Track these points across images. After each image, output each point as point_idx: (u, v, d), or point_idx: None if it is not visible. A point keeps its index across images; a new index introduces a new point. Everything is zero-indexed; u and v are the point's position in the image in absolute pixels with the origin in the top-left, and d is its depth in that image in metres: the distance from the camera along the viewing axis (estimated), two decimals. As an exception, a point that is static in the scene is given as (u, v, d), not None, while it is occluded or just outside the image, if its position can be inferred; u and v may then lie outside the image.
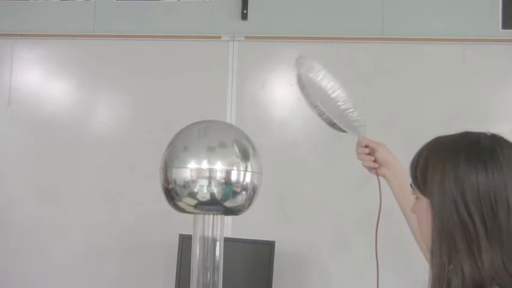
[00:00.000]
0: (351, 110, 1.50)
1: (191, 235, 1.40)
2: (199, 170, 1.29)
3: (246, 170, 1.33)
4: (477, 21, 2.67)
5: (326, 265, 2.60)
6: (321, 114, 1.40)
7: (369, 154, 1.42)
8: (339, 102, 1.51)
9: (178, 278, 2.40)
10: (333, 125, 1.42)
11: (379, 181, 1.40)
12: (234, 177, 1.31)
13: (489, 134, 0.96)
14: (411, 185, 1.02)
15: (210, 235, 1.39)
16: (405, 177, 1.38)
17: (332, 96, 1.51)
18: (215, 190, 1.30)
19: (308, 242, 2.61)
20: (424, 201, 0.97)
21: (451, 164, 0.92)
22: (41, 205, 2.76)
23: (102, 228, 2.72)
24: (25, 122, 2.83)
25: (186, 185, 1.30)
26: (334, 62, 2.69)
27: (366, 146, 1.43)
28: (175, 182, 1.31)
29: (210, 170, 1.29)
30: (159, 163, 1.37)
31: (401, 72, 2.67)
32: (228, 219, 2.57)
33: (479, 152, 0.92)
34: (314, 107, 1.41)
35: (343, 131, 1.43)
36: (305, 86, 1.42)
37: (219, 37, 2.77)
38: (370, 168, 1.43)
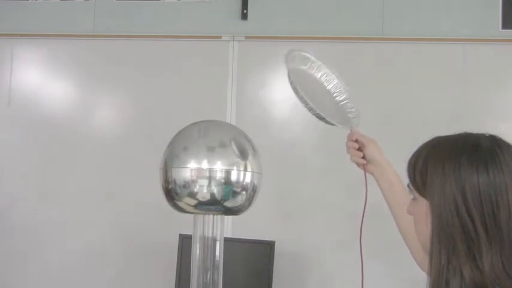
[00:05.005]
0: (346, 101, 1.49)
1: (191, 235, 1.40)
2: (199, 170, 1.29)
3: (246, 170, 1.33)
4: (477, 21, 2.67)
5: (326, 265, 2.60)
6: (310, 109, 1.40)
7: (359, 149, 1.42)
8: (334, 93, 1.50)
9: (178, 278, 2.40)
10: (322, 119, 1.41)
11: (365, 177, 1.40)
12: (234, 177, 1.31)
13: (488, 135, 0.96)
14: (408, 186, 1.01)
15: (210, 235, 1.38)
16: (394, 178, 1.38)
17: (327, 88, 1.50)
18: (215, 190, 1.30)
19: (308, 242, 2.61)
20: (424, 203, 0.96)
21: (452, 165, 0.91)
22: (41, 205, 2.76)
23: (102, 228, 2.72)
24: (25, 122, 2.83)
25: (186, 185, 1.30)
26: (334, 62, 2.70)
27: (356, 141, 1.43)
28: (175, 182, 1.31)
29: (210, 170, 1.29)
30: (159, 163, 1.37)
31: (401, 72, 2.67)
32: (228, 219, 2.57)
33: (480, 153, 0.92)
34: (303, 102, 1.40)
35: (334, 124, 1.43)
36: (294, 81, 1.41)
37: (219, 37, 2.77)
38: (357, 164, 1.43)
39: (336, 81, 1.51)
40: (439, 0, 2.71)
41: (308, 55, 1.52)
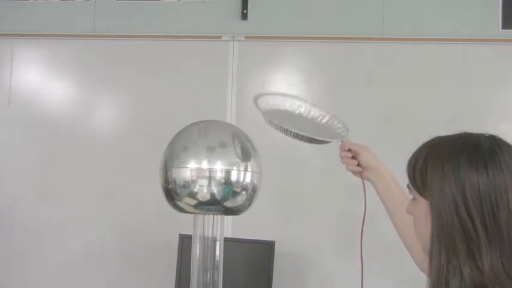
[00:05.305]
0: (331, 120, 1.50)
1: (191, 235, 1.40)
2: (199, 170, 1.29)
3: (246, 170, 1.33)
4: (477, 21, 2.67)
5: (326, 265, 2.60)
6: (298, 138, 1.41)
7: (353, 158, 1.43)
8: (317, 119, 1.51)
9: (178, 278, 2.40)
10: (313, 140, 1.43)
11: (363, 184, 1.41)
12: (234, 177, 1.31)
13: (487, 135, 0.96)
14: (408, 186, 1.01)
15: (210, 235, 1.38)
16: (391, 180, 1.39)
17: (309, 116, 1.51)
18: (215, 190, 1.30)
19: (308, 242, 2.61)
20: (423, 203, 0.96)
21: (452, 165, 0.91)
22: (41, 205, 2.76)
23: (102, 228, 2.72)
24: (25, 122, 2.83)
25: (186, 185, 1.30)
26: (334, 62, 2.72)
27: (349, 150, 1.44)
28: (175, 182, 1.31)
29: (210, 170, 1.29)
30: (159, 163, 1.37)
31: (401, 72, 2.67)
32: (228, 219, 2.57)
33: (480, 153, 0.91)
34: (287, 133, 1.42)
35: (324, 142, 1.44)
36: (271, 121, 1.43)
37: (219, 37, 2.77)
38: (354, 172, 1.44)
39: (312, 109, 1.52)
40: (439, 0, 2.71)
41: (276, 95, 1.53)
